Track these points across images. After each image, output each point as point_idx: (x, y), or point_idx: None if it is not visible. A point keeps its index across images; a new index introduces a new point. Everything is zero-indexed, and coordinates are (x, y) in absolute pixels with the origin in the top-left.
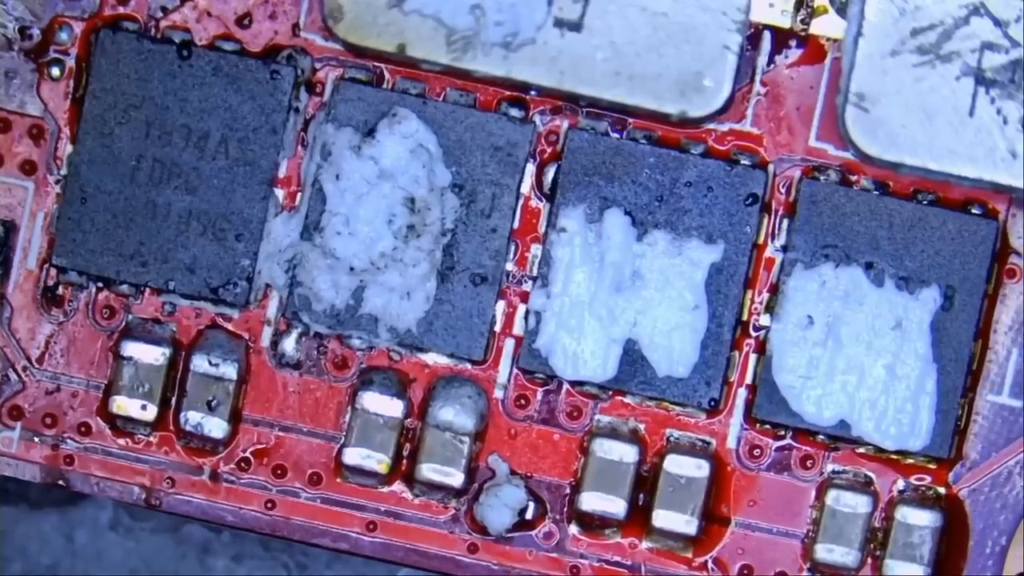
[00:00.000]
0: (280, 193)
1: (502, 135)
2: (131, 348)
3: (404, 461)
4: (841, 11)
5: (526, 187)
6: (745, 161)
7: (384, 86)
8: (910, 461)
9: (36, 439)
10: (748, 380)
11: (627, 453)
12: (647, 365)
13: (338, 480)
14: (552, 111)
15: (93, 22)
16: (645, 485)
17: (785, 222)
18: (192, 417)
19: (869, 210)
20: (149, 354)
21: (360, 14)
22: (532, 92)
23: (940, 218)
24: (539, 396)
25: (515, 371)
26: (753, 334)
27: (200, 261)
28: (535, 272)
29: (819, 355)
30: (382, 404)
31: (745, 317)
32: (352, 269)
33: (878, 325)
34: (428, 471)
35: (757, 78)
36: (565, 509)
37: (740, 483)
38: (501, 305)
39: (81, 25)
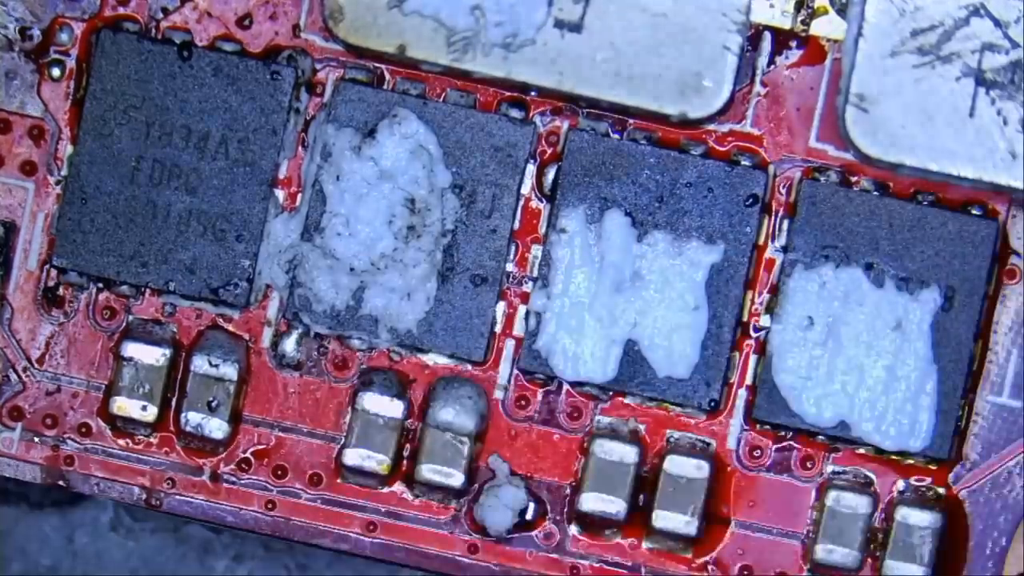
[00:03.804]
0: (280, 194)
1: (502, 136)
2: (131, 349)
3: (404, 462)
4: (841, 12)
5: (526, 188)
6: (745, 162)
7: (384, 87)
8: (910, 462)
9: (36, 440)
10: (748, 381)
11: (627, 454)
12: (647, 366)
13: (338, 481)
14: (552, 112)
15: (93, 23)
16: (645, 486)
17: (785, 223)
18: (192, 418)
19: (869, 211)
20: (149, 355)
21: (360, 15)
22: (532, 93)
23: (940, 219)
24: (539, 397)
25: (515, 372)
26: (753, 335)
27: (200, 262)
28: (535, 273)
29: (819, 356)
30: (382, 405)
31: (745, 318)
32: (352, 270)
33: (878, 326)
34: (428, 472)
35: (757, 79)
36: (565, 510)
37: (740, 484)
38: (501, 306)
39: (81, 26)
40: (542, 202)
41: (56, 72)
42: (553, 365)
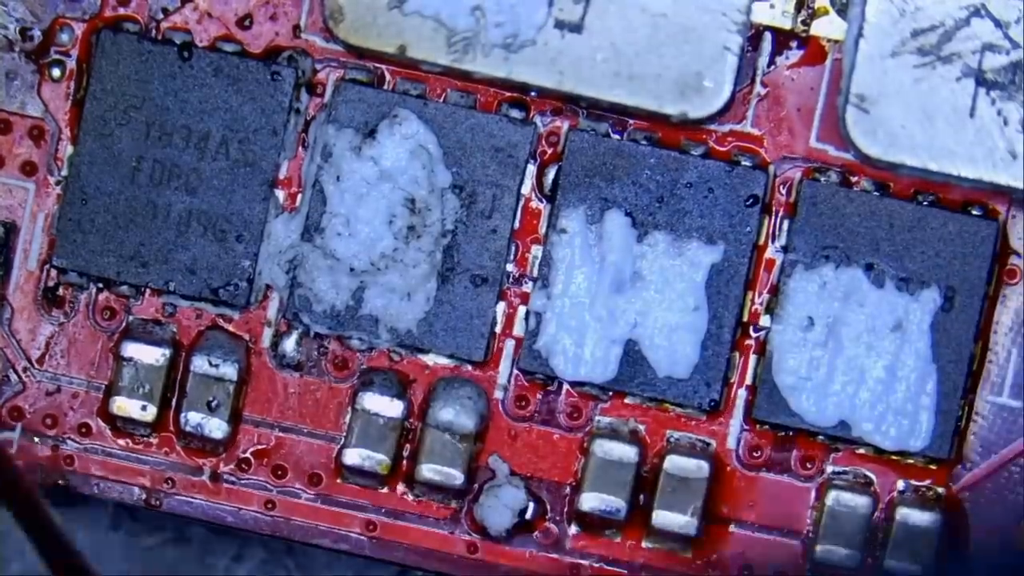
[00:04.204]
0: (281, 194)
1: (502, 136)
2: (131, 349)
3: (404, 462)
4: (842, 12)
5: (526, 188)
6: (746, 162)
7: (385, 87)
8: (910, 462)
9: (36, 440)
10: (748, 381)
11: (627, 454)
12: (647, 366)
13: (338, 481)
14: (552, 112)
15: (94, 23)
16: (645, 486)
17: (785, 223)
18: (192, 418)
19: (869, 211)
20: (149, 355)
21: (361, 15)
22: (532, 93)
23: (940, 219)
24: (539, 397)
25: (515, 372)
26: (753, 335)
27: (201, 262)
28: (535, 273)
29: (819, 356)
30: (382, 405)
31: (745, 318)
32: (352, 270)
33: (878, 326)
34: (428, 472)
35: (758, 79)
36: (565, 510)
37: (740, 484)
38: (501, 306)
39: (82, 26)
40: (542, 202)
41: (56, 72)
42: (553, 365)
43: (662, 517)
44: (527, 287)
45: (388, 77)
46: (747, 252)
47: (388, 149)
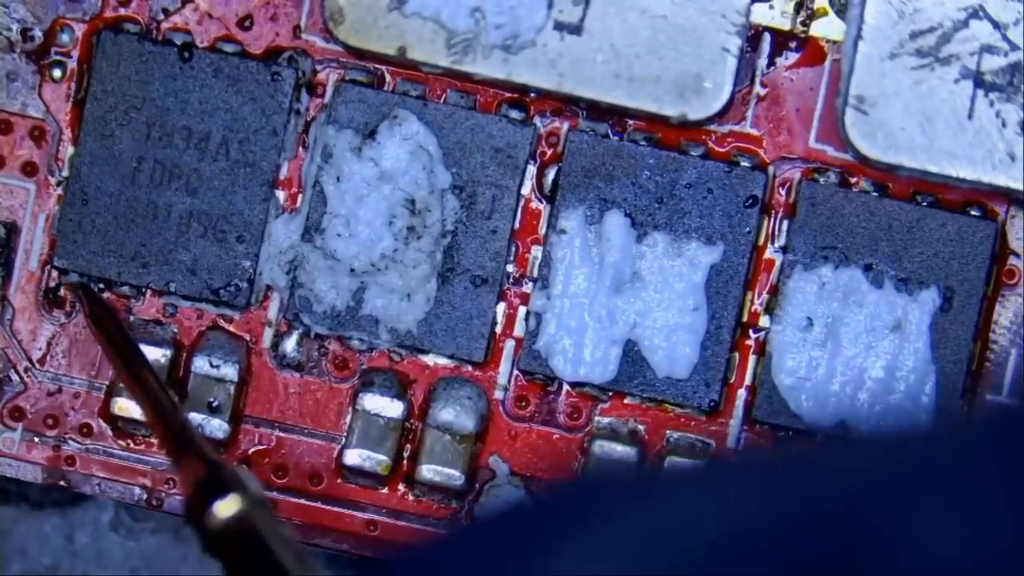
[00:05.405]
0: (281, 195)
1: (502, 137)
2: None
3: (404, 462)
4: (841, 13)
5: (526, 189)
6: (745, 163)
7: (385, 88)
8: None
9: (37, 440)
10: (748, 381)
11: (627, 454)
12: (647, 366)
13: (338, 481)
14: (552, 113)
15: (94, 24)
16: None
17: (785, 224)
18: (193, 418)
19: (868, 212)
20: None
21: (361, 16)
22: (532, 94)
23: (939, 220)
24: (539, 397)
25: (515, 372)
26: (753, 335)
27: (201, 262)
28: (535, 273)
29: (818, 356)
30: (383, 405)
31: (745, 319)
32: (353, 270)
33: (877, 326)
34: (428, 472)
35: (757, 80)
36: None
37: None
38: (501, 306)
39: (82, 27)
40: (542, 203)
41: (57, 73)
42: (553, 365)
43: None
44: (527, 287)
45: (388, 78)
46: (746, 253)
47: (388, 150)
